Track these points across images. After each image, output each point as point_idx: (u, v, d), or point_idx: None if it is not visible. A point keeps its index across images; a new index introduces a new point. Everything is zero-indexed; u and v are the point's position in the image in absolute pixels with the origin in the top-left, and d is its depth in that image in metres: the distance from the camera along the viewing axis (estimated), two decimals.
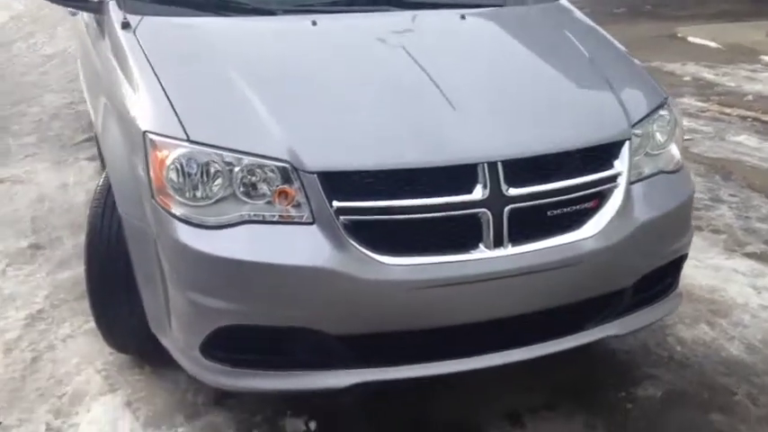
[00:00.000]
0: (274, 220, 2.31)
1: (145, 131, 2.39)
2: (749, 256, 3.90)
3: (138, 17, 2.82)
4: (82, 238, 3.84)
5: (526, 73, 2.84)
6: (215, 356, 2.38)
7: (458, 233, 2.36)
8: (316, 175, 2.27)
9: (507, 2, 3.36)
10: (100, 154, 3.44)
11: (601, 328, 2.64)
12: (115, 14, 2.90)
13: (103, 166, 3.05)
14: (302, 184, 2.28)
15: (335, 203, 2.27)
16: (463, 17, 3.06)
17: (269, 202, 2.32)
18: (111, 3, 2.96)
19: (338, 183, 2.28)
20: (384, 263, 2.28)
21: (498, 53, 2.95)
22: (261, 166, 2.31)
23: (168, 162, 2.32)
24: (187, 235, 2.30)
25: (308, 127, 2.39)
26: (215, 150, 2.32)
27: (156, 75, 2.55)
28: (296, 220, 2.31)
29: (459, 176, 2.35)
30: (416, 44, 2.79)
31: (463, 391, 2.80)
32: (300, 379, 2.38)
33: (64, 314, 3.26)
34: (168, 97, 2.45)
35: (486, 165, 2.35)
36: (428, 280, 2.30)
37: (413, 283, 2.30)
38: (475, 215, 2.35)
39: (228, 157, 2.32)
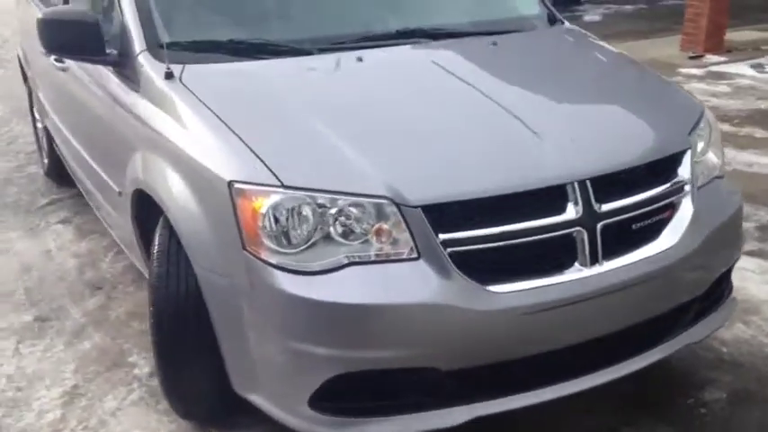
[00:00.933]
0: (375, 259, 2.25)
1: (230, 181, 2.29)
2: (750, 254, 4.05)
3: (180, 66, 2.72)
4: (87, 305, 3.71)
5: (584, 93, 2.90)
6: (324, 408, 2.29)
7: (554, 254, 2.37)
8: (420, 209, 2.23)
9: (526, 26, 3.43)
10: (109, 219, 3.29)
11: (679, 338, 2.68)
12: (150, 65, 2.80)
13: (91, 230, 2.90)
14: (404, 220, 2.23)
15: (441, 236, 2.23)
16: (495, 43, 3.10)
17: (365, 242, 2.26)
18: (142, 55, 2.84)
19: (442, 215, 2.24)
20: (493, 291, 2.26)
21: (551, 75, 3.00)
22: (357, 205, 2.25)
23: (263, 210, 2.23)
24: (289, 283, 2.21)
25: (403, 161, 2.35)
26: (309, 194, 2.24)
27: (223, 122, 2.46)
28: (397, 256, 2.25)
29: (552, 198, 2.36)
30: (470, 72, 2.81)
31: (539, 420, 2.77)
32: (414, 421, 2.31)
33: (102, 387, 3.06)
34: (246, 144, 2.36)
35: (576, 184, 2.37)
36: (535, 304, 2.29)
37: (521, 309, 2.28)
38: (570, 234, 2.36)
39: (322, 198, 2.25)
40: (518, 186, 2.32)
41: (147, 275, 3.17)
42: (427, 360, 2.26)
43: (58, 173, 5.29)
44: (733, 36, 9.45)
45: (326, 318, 2.21)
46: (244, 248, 2.27)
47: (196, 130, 2.50)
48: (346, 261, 2.23)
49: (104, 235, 4.50)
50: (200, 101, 2.57)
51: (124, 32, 2.94)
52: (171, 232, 2.61)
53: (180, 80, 2.68)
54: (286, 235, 2.24)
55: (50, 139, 5.05)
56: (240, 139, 2.38)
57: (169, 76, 2.69)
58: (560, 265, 2.37)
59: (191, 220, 2.45)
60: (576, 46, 3.35)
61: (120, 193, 3.17)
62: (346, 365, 2.23)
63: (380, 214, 2.25)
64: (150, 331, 2.68)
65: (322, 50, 2.94)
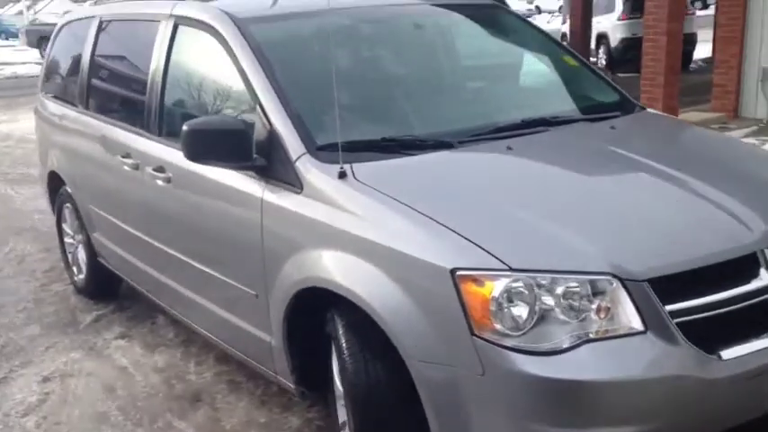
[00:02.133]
0: (601, 336, 2.30)
1: (453, 269, 2.32)
2: None
3: (347, 165, 2.76)
4: (195, 419, 3.57)
5: (721, 165, 3.06)
6: None
7: (762, 317, 2.46)
8: (645, 283, 2.30)
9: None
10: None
11: None
12: (315, 167, 2.84)
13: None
14: (628, 294, 2.30)
15: (668, 307, 2.30)
16: (613, 127, 3.28)
17: (585, 319, 2.30)
18: (303, 158, 2.88)
19: (667, 286, 2.32)
20: (720, 358, 2.33)
21: (680, 151, 3.18)
22: (580, 283, 2.30)
23: (494, 294, 2.26)
24: (528, 364, 2.24)
25: (618, 237, 2.44)
26: (535, 275, 2.29)
27: (421, 213, 2.50)
28: (622, 331, 2.30)
29: (756, 260, 2.47)
30: (619, 151, 2.97)
31: None
32: None
33: None
34: (456, 232, 2.40)
35: (766, 250, 2.50)
36: (758, 368, 2.37)
37: (746, 374, 2.35)
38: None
39: (543, 279, 2.29)
40: (726, 254, 2.43)
41: (281, 380, 3.18)
42: None
43: (97, 288, 5.15)
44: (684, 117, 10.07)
45: (566, 396, 2.23)
46: (473, 335, 2.29)
47: (393, 224, 2.52)
48: (578, 340, 2.27)
49: (174, 346, 4.39)
50: (387, 196, 2.60)
51: (273, 138, 2.98)
52: (355, 326, 2.61)
53: (355, 178, 2.72)
54: (513, 318, 2.28)
55: (93, 254, 4.93)
56: (448, 228, 2.42)
57: (342, 175, 2.73)
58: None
59: (399, 313, 2.44)
60: (676, 125, 3.56)
61: (257, 296, 3.14)
62: None
63: (601, 291, 2.31)
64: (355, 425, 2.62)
65: (462, 143, 3.03)
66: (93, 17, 4.79)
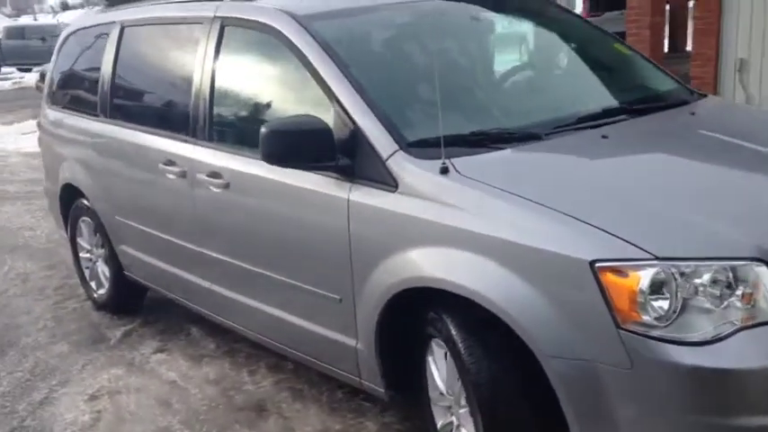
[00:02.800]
0: (747, 323, 2.27)
1: (593, 261, 2.28)
2: None
3: (447, 161, 2.71)
4: (268, 428, 3.47)
5: None
6: None
7: None
8: None
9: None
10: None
11: None
12: (412, 164, 2.78)
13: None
14: None
15: None
16: (693, 113, 3.29)
17: (728, 306, 2.28)
18: (397, 155, 2.82)
19: None
20: None
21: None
22: (723, 270, 2.28)
23: (641, 285, 2.24)
24: (683, 355, 2.21)
25: (757, 220, 2.42)
26: (680, 263, 2.27)
27: (548, 207, 2.45)
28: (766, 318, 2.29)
29: None
30: (713, 135, 2.98)
31: None
32: None
33: None
34: (590, 223, 2.36)
35: None
36: None
37: None
38: None
39: (687, 267, 2.27)
40: None
41: (367, 384, 3.13)
42: None
43: (121, 303, 5.00)
44: None
45: (720, 385, 2.21)
46: (618, 328, 2.26)
47: (516, 219, 2.47)
48: (726, 328, 2.24)
49: (220, 357, 4.28)
50: (503, 190, 2.56)
51: (358, 137, 2.91)
52: (471, 325, 2.58)
53: (459, 173, 2.67)
54: (658, 308, 2.25)
55: (119, 268, 4.77)
56: (580, 219, 2.38)
57: (445, 170, 2.68)
58: None
59: (529, 309, 2.39)
60: (747, 108, 3.59)
61: (340, 300, 3.07)
62: None
63: (743, 277, 2.29)
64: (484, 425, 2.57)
65: (548, 134, 3.00)
66: (111, 23, 4.63)
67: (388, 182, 2.83)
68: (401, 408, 3.46)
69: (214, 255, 3.74)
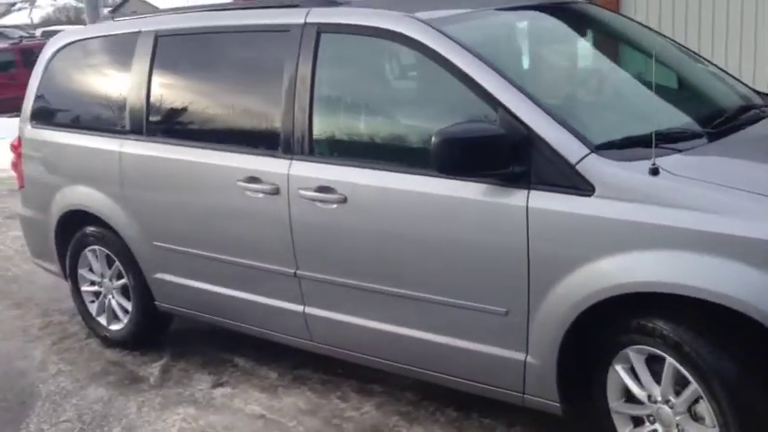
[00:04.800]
0: None
1: None
2: None
3: (642, 162, 2.69)
4: None
5: None
6: None
7: None
8: None
9: None
10: None
11: None
12: (613, 166, 2.74)
13: None
14: None
15: None
16: None
17: None
18: (588, 159, 2.76)
19: None
20: None
21: None
22: None
23: None
24: None
25: None
26: None
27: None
28: None
29: None
30: None
31: None
32: None
33: None
34: None
35: None
36: None
37: None
38: None
39: None
40: None
41: (532, 399, 3.06)
42: None
43: (144, 337, 4.60)
44: None
45: None
46: None
47: (745, 213, 2.48)
48: None
49: (292, 385, 4.04)
50: (727, 187, 2.56)
51: (534, 142, 2.83)
52: (705, 329, 2.58)
53: (671, 173, 2.65)
54: None
55: (148, 298, 4.39)
56: None
57: (655, 172, 2.66)
58: None
59: None
60: None
61: (506, 313, 2.97)
62: None
63: None
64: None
65: (710, 134, 3.05)
66: (136, 33, 4.24)
67: (581, 186, 2.76)
68: (528, 422, 3.40)
69: (321, 276, 3.50)
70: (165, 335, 4.71)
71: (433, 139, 2.82)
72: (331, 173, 3.37)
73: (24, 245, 7.04)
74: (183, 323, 4.69)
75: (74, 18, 59.53)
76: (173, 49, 4.10)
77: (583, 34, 3.73)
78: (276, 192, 3.54)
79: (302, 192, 3.44)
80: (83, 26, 5.08)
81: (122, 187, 4.26)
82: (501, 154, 2.82)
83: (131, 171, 4.21)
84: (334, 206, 3.35)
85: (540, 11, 3.71)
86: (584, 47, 3.62)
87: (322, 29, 3.46)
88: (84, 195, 4.50)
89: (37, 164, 4.84)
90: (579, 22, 3.75)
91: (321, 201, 3.38)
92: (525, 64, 3.22)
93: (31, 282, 6.08)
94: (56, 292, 5.72)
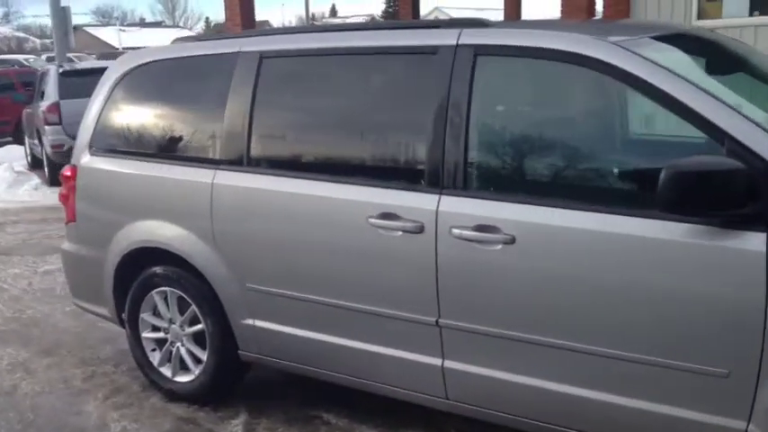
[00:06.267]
0: None
1: None
2: None
3: None
4: None
5: None
6: None
7: None
8: None
9: None
10: None
11: None
12: None
13: None
14: None
15: None
16: None
17: None
18: None
19: None
20: None
21: None
22: None
23: None
24: None
25: None
26: None
27: None
28: None
29: None
30: None
31: None
32: None
33: None
34: None
35: None
36: None
37: None
38: None
39: None
40: None
41: None
42: None
43: (219, 389, 4.15)
44: None
45: None
46: None
47: None
48: None
49: None
50: None
51: None
52: None
53: None
54: None
55: (230, 347, 3.94)
56: None
57: None
58: None
59: None
60: None
61: (727, 375, 2.64)
62: None
63: None
64: None
65: None
66: (232, 54, 3.85)
67: None
68: None
69: (470, 326, 3.12)
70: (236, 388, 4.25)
71: (663, 173, 2.51)
72: (493, 210, 3.03)
73: (31, 284, 6.56)
74: (253, 373, 4.24)
75: (15, 47, 58.16)
76: (282, 72, 3.72)
77: (741, 63, 3.51)
78: (419, 230, 3.17)
79: (456, 230, 3.08)
80: (150, 48, 4.64)
81: (213, 222, 3.82)
82: (738, 190, 2.52)
83: (226, 205, 3.78)
84: (498, 247, 3.00)
85: (690, 40, 3.50)
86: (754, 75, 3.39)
87: (479, 51, 3.15)
88: (158, 231, 4.04)
89: (96, 195, 4.37)
90: (730, 51, 3.55)
91: (481, 241, 3.03)
92: (727, 91, 2.95)
93: (53, 325, 5.54)
94: (87, 338, 5.24)
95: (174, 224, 3.98)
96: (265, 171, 3.68)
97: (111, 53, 37.56)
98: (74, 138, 13.16)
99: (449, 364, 3.24)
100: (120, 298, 4.33)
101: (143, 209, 4.12)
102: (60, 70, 11.40)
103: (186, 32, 69.72)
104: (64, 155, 11.16)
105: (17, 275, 6.89)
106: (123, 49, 48.01)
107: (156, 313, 4.24)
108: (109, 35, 64.86)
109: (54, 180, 11.16)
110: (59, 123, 11.04)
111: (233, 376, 4.13)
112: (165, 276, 4.09)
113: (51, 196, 10.57)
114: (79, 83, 11.27)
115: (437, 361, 3.27)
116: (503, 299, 3.05)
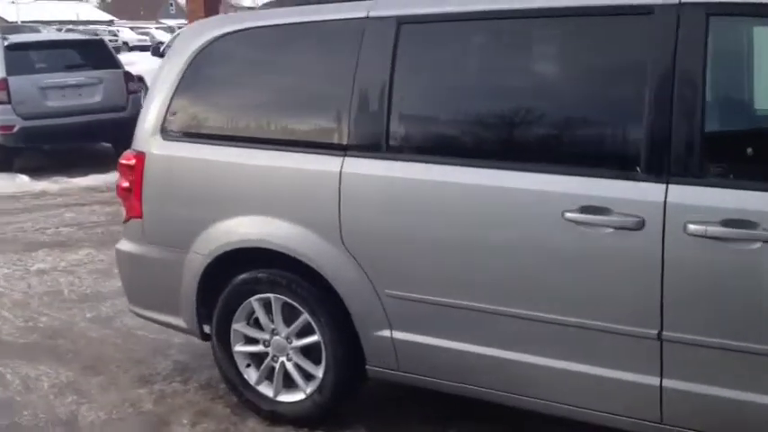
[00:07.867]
0: None
1: None
2: None
3: None
4: None
5: None
6: None
7: None
8: None
9: None
10: None
11: None
12: None
13: None
14: None
15: None
16: None
17: None
18: None
19: None
20: None
21: None
22: None
23: None
24: None
25: None
26: None
27: None
28: None
29: None
30: None
31: None
32: None
33: None
34: None
35: None
36: None
37: None
38: None
39: None
40: None
41: None
42: None
43: (333, 411, 3.60)
44: None
45: None
46: None
47: None
48: None
49: None
50: None
51: None
52: None
53: None
54: None
55: (351, 360, 3.40)
56: None
57: None
58: None
59: None
60: None
61: None
62: None
63: None
64: None
65: None
66: (359, 20, 3.26)
67: None
68: None
69: (707, 340, 2.67)
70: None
71: None
72: (747, 201, 2.59)
73: (30, 286, 5.76)
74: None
75: None
76: (433, 41, 3.16)
77: None
78: (639, 226, 2.71)
79: (692, 227, 2.63)
80: (233, 14, 3.97)
81: (341, 219, 3.25)
82: None
83: (362, 198, 3.22)
84: (756, 246, 2.56)
85: None
86: None
87: (711, 10, 2.68)
88: (264, 230, 3.44)
89: (173, 188, 3.72)
90: None
91: (732, 239, 2.58)
92: None
93: (83, 336, 4.84)
94: (132, 349, 4.58)
95: (287, 221, 3.38)
96: (415, 158, 3.14)
97: (11, 27, 35.46)
98: (25, 118, 12.12)
99: (669, 383, 2.79)
100: (203, 306, 3.71)
101: (239, 204, 3.51)
102: (6, 43, 10.32)
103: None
104: (15, 137, 10.18)
105: (8, 276, 6.07)
106: (22, 23, 45.31)
107: (251, 323, 3.64)
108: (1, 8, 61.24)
109: (3, 166, 10.15)
110: (8, 102, 10.00)
111: (353, 394, 3.59)
112: (270, 281, 3.49)
113: (5, 184, 9.59)
114: (29, 57, 10.31)
115: (653, 380, 2.81)
116: (758, 307, 2.61)
